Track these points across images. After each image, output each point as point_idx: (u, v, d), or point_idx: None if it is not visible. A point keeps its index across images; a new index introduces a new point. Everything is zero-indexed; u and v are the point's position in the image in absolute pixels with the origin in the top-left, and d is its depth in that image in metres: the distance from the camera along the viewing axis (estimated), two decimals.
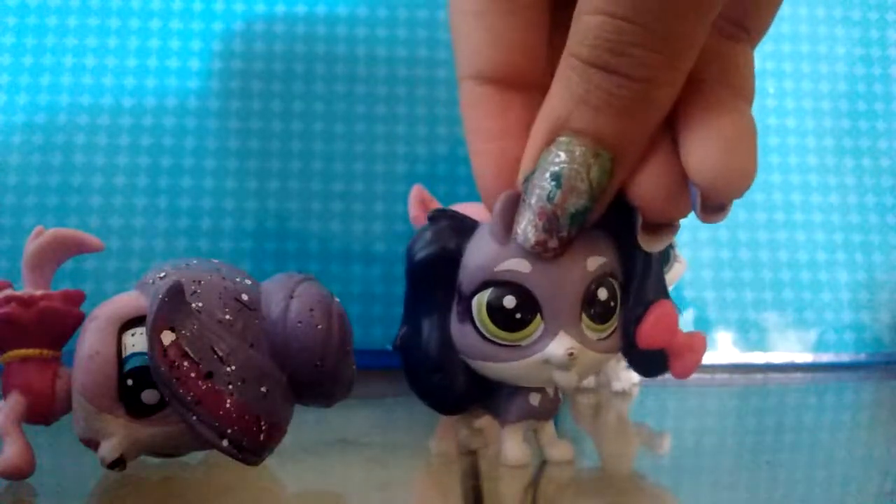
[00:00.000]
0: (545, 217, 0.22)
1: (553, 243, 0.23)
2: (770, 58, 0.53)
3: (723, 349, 0.49)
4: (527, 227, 0.23)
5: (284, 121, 0.49)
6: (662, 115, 0.21)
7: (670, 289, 0.42)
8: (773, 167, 0.52)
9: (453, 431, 0.30)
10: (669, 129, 0.22)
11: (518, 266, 0.24)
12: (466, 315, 0.25)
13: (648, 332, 0.25)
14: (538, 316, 0.24)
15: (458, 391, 0.26)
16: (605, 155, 0.21)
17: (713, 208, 0.22)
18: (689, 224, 0.51)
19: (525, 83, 0.24)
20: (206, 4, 0.50)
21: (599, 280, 0.25)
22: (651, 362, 0.26)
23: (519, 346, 0.25)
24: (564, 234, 0.23)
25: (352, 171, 0.49)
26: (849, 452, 0.32)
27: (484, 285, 0.25)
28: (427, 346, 0.26)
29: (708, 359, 0.49)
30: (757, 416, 0.40)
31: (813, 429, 0.36)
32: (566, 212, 0.22)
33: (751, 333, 0.50)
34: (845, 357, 0.50)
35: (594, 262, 0.24)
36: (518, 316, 0.24)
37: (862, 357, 0.50)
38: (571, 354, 0.24)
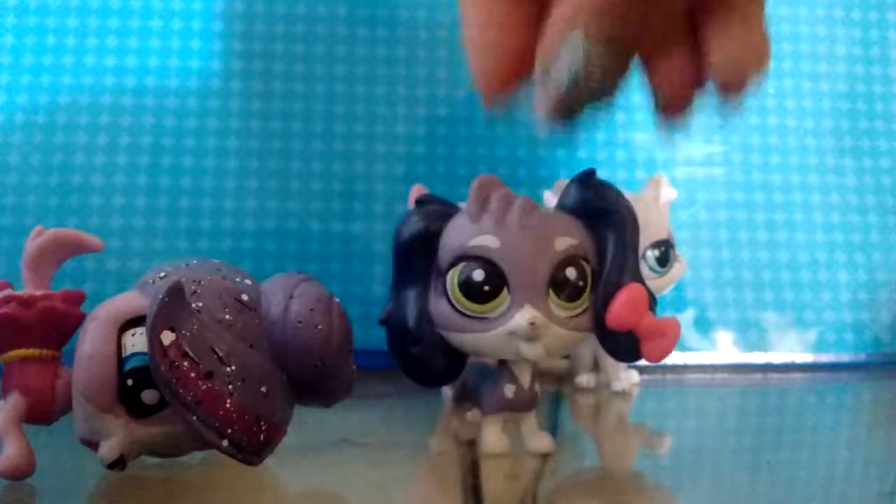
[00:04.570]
0: (561, 107, 0.23)
1: (567, 127, 0.23)
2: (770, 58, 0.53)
3: (723, 349, 0.49)
4: (545, 115, 0.23)
5: (284, 121, 0.49)
6: (679, 5, 0.22)
7: (670, 289, 0.43)
8: (773, 167, 0.52)
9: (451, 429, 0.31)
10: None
11: (487, 242, 0.26)
12: (442, 289, 0.27)
13: (616, 312, 0.26)
14: (505, 289, 0.26)
15: (436, 364, 0.27)
16: (618, 47, 0.22)
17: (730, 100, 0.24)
18: (689, 224, 0.51)
19: None
20: (206, 4, 0.50)
21: (568, 260, 0.26)
22: (623, 346, 0.27)
23: (487, 317, 0.26)
24: (580, 116, 0.23)
25: (352, 171, 0.49)
26: (849, 452, 0.32)
27: (457, 260, 0.26)
28: (406, 319, 0.27)
29: (708, 359, 0.49)
30: (757, 416, 0.40)
31: (813, 429, 0.36)
32: (581, 101, 0.22)
33: (751, 333, 0.50)
34: (845, 357, 0.50)
35: (563, 243, 0.26)
36: (486, 288, 0.26)
37: (862, 357, 0.50)
38: (533, 324, 0.25)
